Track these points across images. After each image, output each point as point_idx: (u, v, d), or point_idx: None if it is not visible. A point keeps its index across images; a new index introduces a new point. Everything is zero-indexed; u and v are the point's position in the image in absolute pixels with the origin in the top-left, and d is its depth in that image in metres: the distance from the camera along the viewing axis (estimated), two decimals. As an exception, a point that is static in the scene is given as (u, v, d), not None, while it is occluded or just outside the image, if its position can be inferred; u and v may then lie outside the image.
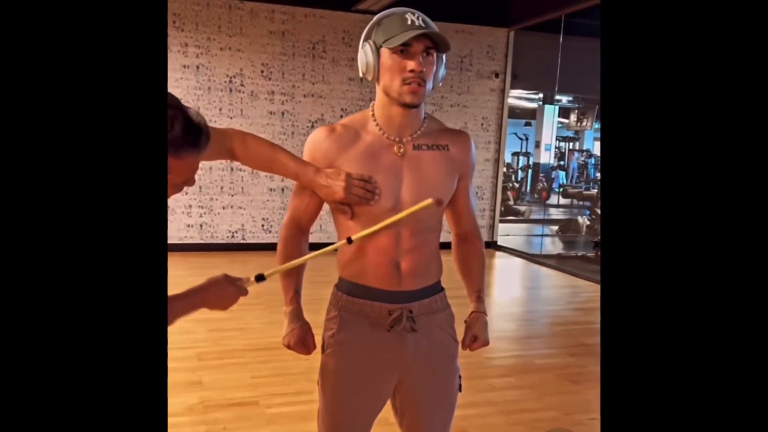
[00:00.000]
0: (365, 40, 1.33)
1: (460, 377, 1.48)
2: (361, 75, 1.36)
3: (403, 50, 1.26)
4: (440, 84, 1.37)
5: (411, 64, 1.26)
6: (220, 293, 1.17)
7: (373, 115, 1.37)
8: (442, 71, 1.35)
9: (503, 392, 3.13)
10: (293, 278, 1.40)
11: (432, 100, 6.61)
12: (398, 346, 1.38)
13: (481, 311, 1.47)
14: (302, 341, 1.40)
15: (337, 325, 1.39)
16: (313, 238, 1.50)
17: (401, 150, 1.34)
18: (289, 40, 6.22)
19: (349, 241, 1.30)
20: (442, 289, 1.47)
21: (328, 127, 1.37)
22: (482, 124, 7.11)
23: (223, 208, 6.35)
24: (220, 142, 1.27)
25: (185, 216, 6.22)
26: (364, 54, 1.31)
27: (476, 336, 1.44)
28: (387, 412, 1.49)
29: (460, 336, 1.46)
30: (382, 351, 1.38)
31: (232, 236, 6.41)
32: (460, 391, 1.48)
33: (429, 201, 1.28)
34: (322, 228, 4.85)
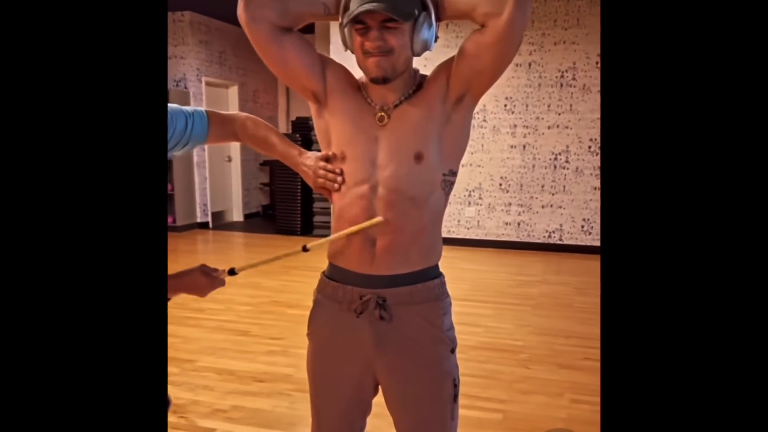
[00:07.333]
0: (342, 15, 1.24)
1: (456, 386, 1.29)
2: (344, 50, 1.28)
3: (361, 27, 1.19)
4: (431, 48, 1.24)
5: (366, 42, 1.19)
6: (193, 282, 1.27)
7: (362, 83, 1.31)
8: (424, 35, 1.20)
9: None
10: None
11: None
12: (365, 335, 1.26)
13: None
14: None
15: (313, 308, 1.36)
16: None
17: (384, 120, 1.25)
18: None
19: (305, 249, 1.28)
20: (434, 278, 1.28)
21: (349, 72, 1.33)
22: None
23: (542, 207, 6.09)
24: (224, 127, 1.38)
25: (504, 214, 6.17)
26: (340, 31, 1.25)
27: None
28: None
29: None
30: (349, 338, 1.28)
31: (549, 236, 6.10)
32: (456, 401, 1.29)
33: (378, 219, 1.21)
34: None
